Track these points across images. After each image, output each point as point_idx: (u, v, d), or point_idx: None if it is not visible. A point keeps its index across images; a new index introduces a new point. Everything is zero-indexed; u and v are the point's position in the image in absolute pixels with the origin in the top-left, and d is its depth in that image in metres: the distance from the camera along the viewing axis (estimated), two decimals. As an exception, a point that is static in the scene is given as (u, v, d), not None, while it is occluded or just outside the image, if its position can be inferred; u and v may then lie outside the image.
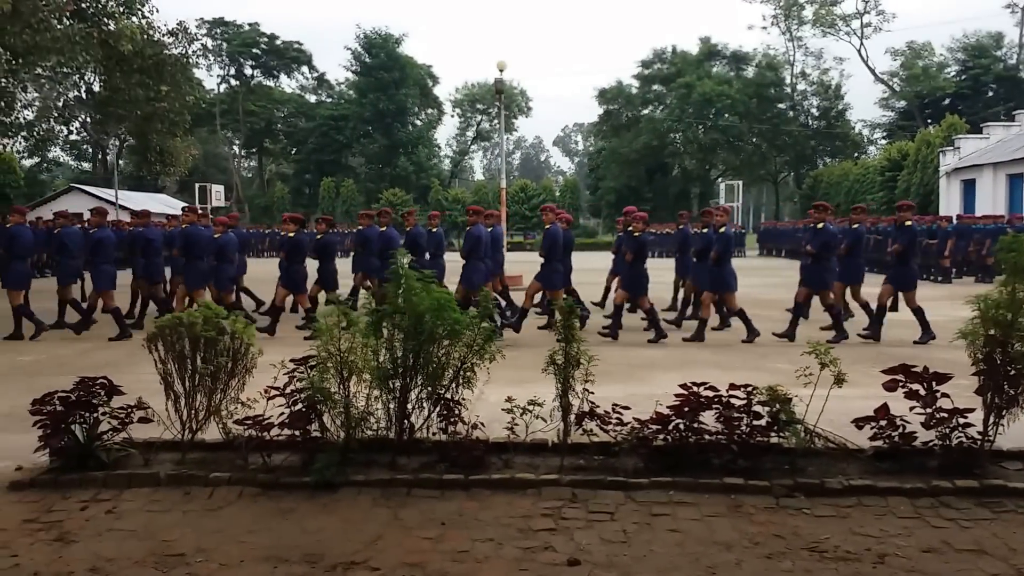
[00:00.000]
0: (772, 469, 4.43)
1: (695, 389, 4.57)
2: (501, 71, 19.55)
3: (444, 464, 4.49)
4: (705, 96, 52.96)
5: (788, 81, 57.94)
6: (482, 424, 4.69)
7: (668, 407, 4.53)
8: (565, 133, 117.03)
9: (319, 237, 11.85)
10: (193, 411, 4.76)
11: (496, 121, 68.63)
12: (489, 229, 11.38)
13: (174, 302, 11.14)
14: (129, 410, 4.70)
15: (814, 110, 58.04)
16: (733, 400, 4.53)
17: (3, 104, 15.96)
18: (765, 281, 21.07)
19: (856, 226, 10.69)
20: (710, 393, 4.56)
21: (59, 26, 13.31)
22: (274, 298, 11.25)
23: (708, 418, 4.52)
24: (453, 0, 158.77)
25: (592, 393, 4.59)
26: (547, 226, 10.81)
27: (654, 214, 54.54)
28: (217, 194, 49.42)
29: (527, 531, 3.75)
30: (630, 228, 10.84)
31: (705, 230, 11.23)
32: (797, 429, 4.48)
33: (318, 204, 60.17)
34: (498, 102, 22.17)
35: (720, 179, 58.31)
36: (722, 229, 10.54)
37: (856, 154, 54.09)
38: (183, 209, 11.44)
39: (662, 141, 55.89)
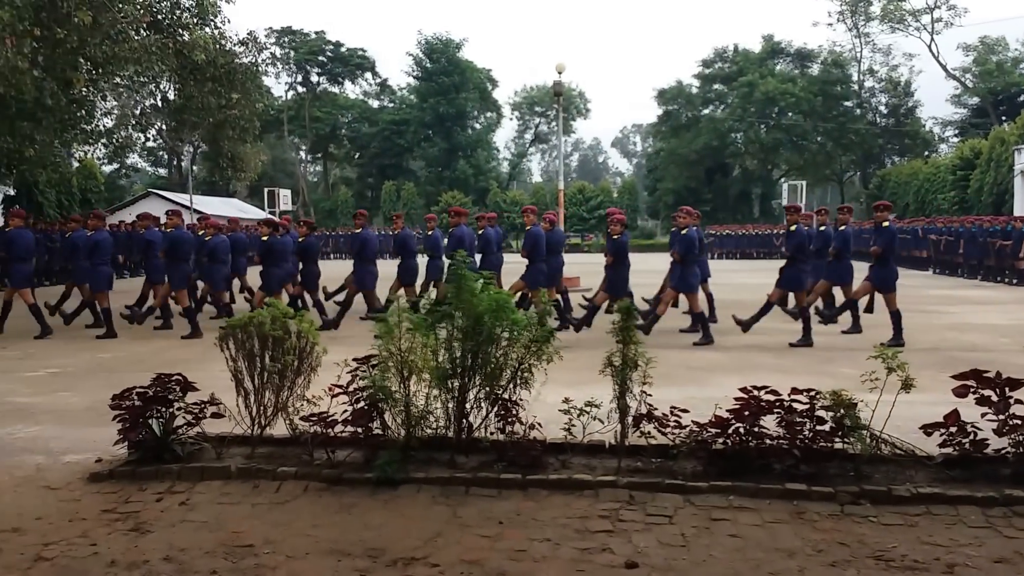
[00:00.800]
0: (836, 475, 4.32)
1: (756, 393, 4.48)
2: (560, 73, 19.54)
3: (502, 463, 4.51)
4: (768, 95, 51.81)
5: (855, 78, 56.21)
6: (539, 424, 4.69)
7: (728, 411, 4.46)
8: (623, 134, 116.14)
9: (300, 240, 12.04)
10: (262, 407, 4.90)
11: (554, 123, 68.68)
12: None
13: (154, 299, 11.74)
14: (202, 406, 4.87)
15: (882, 108, 56.20)
16: (795, 405, 4.43)
17: (84, 113, 16.73)
18: (829, 283, 20.46)
19: (843, 228, 10.63)
20: (771, 397, 4.47)
21: (136, 37, 13.90)
22: (251, 300, 11.71)
23: (769, 422, 4.43)
24: (513, 4, 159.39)
25: (650, 395, 4.55)
26: (528, 227, 11.07)
27: (713, 215, 53.92)
28: (284, 198, 50.75)
29: (584, 532, 3.74)
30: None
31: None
32: (863, 435, 4.35)
33: (380, 207, 61.23)
34: (557, 104, 22.17)
35: (783, 179, 56.98)
36: (684, 231, 10.46)
37: (926, 153, 52.14)
38: (166, 213, 12.04)
39: (722, 141, 54.93)
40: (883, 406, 4.35)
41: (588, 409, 4.57)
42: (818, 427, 4.38)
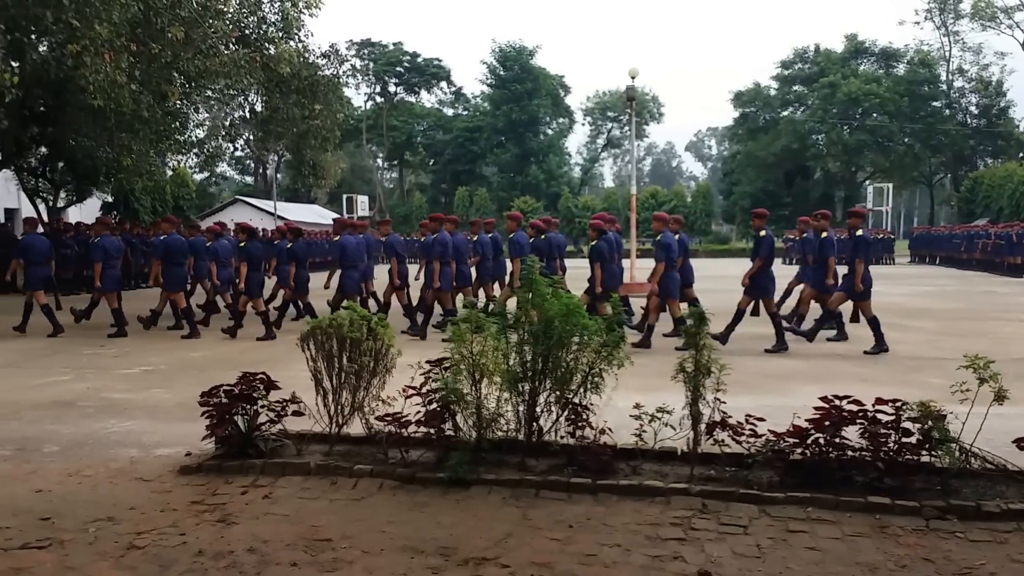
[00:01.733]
0: (921, 489, 4.13)
1: (837, 402, 4.33)
2: (633, 78, 19.38)
3: (572, 468, 4.50)
4: (851, 96, 50.07)
5: (943, 78, 53.73)
6: (610, 430, 4.66)
7: (807, 420, 4.32)
8: (698, 138, 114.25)
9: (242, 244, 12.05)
10: (339, 407, 5.04)
11: (627, 128, 68.07)
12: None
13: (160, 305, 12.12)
14: (284, 404, 5.04)
15: (973, 108, 53.52)
16: (880, 415, 4.26)
17: (178, 124, 17.60)
18: (914, 290, 19.58)
19: (825, 234, 10.36)
20: (854, 407, 4.31)
21: (226, 52, 14.53)
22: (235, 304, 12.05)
23: (851, 433, 4.28)
24: (587, 10, 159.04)
25: (724, 403, 4.46)
26: (510, 234, 11.27)
27: (792, 219, 52.21)
28: (362, 204, 52.04)
29: (655, 539, 3.69)
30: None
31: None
32: (951, 448, 4.14)
33: (453, 212, 61.94)
34: (629, 109, 21.97)
35: (868, 181, 54.92)
36: (659, 237, 10.37)
37: (1021, 154, 49.30)
38: (161, 219, 12.53)
39: (803, 143, 53.36)
40: (974, 418, 4.14)
41: (659, 415, 4.51)
42: (904, 439, 4.20)
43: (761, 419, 4.50)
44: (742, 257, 50.54)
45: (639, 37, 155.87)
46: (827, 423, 4.26)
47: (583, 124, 73.20)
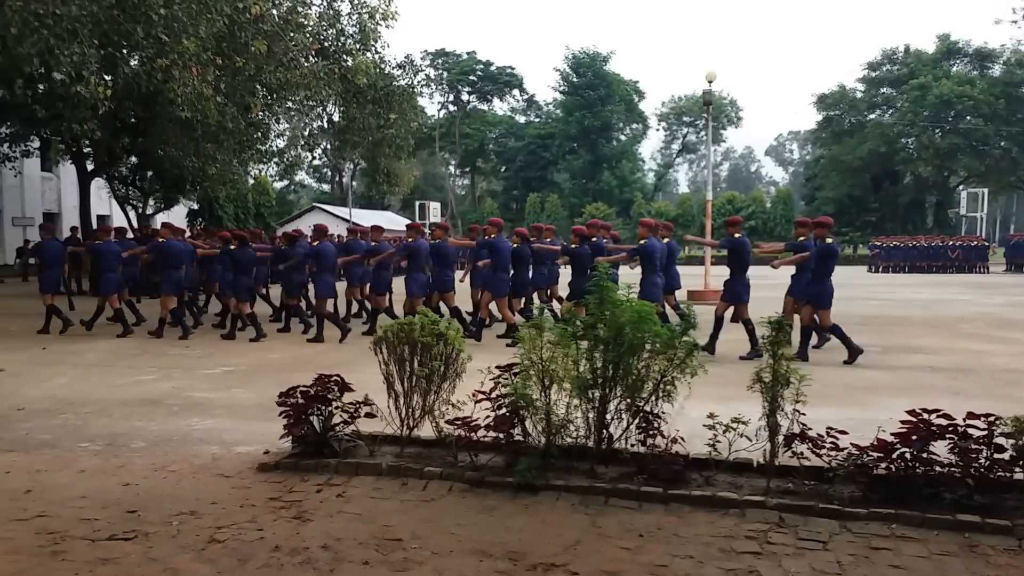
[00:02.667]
0: (1015, 508, 3.92)
1: (925, 416, 4.15)
2: (710, 82, 19.06)
3: (642, 476, 4.45)
4: (943, 98, 47.87)
5: (1044, 79, 50.73)
6: (682, 439, 4.59)
7: (892, 434, 4.16)
8: (779, 142, 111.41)
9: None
10: (410, 409, 5.13)
11: (703, 133, 66.99)
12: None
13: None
14: (357, 406, 5.16)
15: (1074, 110, 50.30)
16: (971, 430, 4.07)
17: (260, 135, 18.33)
18: (1010, 300, 18.58)
19: (802, 239, 10.16)
20: (943, 421, 4.13)
21: (306, 64, 15.07)
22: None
23: (940, 449, 4.10)
24: (663, 14, 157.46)
25: (803, 414, 4.33)
26: (487, 237, 11.56)
27: (880, 225, 50.40)
28: (434, 210, 52.86)
29: (729, 552, 3.62)
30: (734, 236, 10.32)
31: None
32: (1049, 466, 3.92)
33: (524, 219, 62.18)
34: (706, 114, 21.62)
35: (961, 187, 52.38)
36: (644, 242, 10.43)
37: None
38: (161, 225, 12.96)
39: (891, 147, 51.28)
40: (1077, 436, 3.90)
41: (735, 425, 4.42)
42: (996, 455, 3.99)
43: (843, 432, 4.35)
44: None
45: (717, 40, 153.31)
46: (914, 437, 4.10)
47: (657, 129, 72.45)
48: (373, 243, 13.06)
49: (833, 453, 4.26)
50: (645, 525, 3.94)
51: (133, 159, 21.02)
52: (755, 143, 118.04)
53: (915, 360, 9.46)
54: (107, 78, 12.03)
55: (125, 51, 12.77)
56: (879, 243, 39.49)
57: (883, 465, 4.17)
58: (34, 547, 3.74)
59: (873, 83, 55.10)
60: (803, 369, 4.32)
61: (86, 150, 19.41)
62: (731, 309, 10.05)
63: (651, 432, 4.57)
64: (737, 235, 10.10)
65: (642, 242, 10.48)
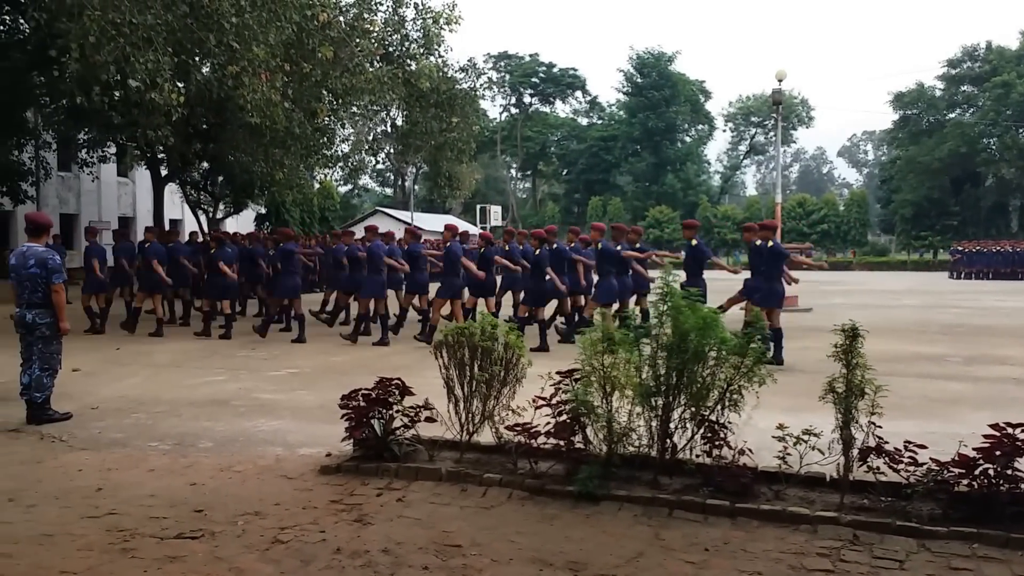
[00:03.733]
0: (1114, 533, 3.67)
1: (1010, 431, 3.94)
2: (780, 81, 18.62)
3: (708, 488, 4.35)
4: (1028, 95, 45.71)
5: None
6: (750, 450, 4.47)
7: (975, 449, 3.97)
8: (852, 142, 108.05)
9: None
10: (470, 414, 5.15)
11: (772, 133, 65.55)
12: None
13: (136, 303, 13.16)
14: (417, 410, 5.21)
15: None
16: (1062, 447, 3.84)
17: (326, 140, 18.78)
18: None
19: (772, 243, 10.10)
20: (1031, 436, 3.91)
21: (370, 69, 15.37)
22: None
23: (1027, 466, 3.88)
24: (731, 11, 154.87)
25: (879, 427, 4.17)
26: (446, 243, 11.79)
27: (961, 229, 48.38)
28: (495, 214, 53.17)
29: (800, 569, 3.50)
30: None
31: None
32: None
33: (586, 222, 61.89)
34: (775, 114, 21.11)
35: (1049, 189, 49.89)
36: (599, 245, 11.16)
37: None
38: (145, 228, 13.75)
39: (972, 147, 49.21)
40: None
41: (806, 438, 4.28)
42: (1092, 475, 3.76)
43: (922, 446, 4.17)
44: (902, 270, 47.27)
45: (788, 37, 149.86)
46: (998, 453, 3.90)
47: (724, 130, 71.25)
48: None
49: (911, 468, 4.09)
50: (711, 539, 3.85)
51: (204, 164, 21.78)
52: (827, 143, 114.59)
53: (999, 371, 9.02)
54: (180, 85, 12.51)
55: (197, 59, 13.26)
56: (960, 248, 37.91)
57: (965, 482, 3.99)
58: (105, 544, 3.87)
59: (953, 81, 53.03)
60: (879, 380, 4.16)
61: (160, 156, 20.21)
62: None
63: (717, 443, 4.47)
64: (695, 242, 10.65)
65: (598, 245, 11.27)
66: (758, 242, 10.13)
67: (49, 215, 7.94)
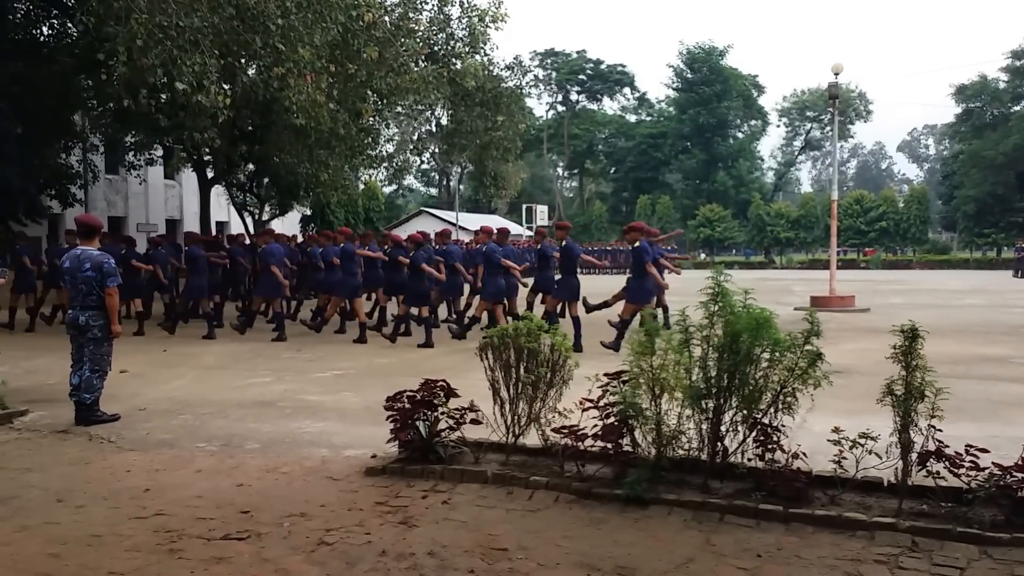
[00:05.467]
0: None
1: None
2: (836, 75, 18.21)
3: (760, 493, 4.30)
4: (1102, 85, 43.89)
5: None
6: (804, 454, 4.41)
7: (1041, 454, 3.84)
8: (912, 137, 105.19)
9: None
10: (516, 417, 5.18)
11: (828, 128, 64.26)
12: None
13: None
14: (463, 412, 5.25)
15: None
16: None
17: (371, 140, 19.03)
18: None
19: (637, 244, 10.81)
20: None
21: (416, 69, 15.52)
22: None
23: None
24: (784, 4, 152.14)
25: (940, 431, 4.07)
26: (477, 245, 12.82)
27: (1029, 226, 46.49)
28: (541, 213, 53.13)
29: (856, 576, 3.44)
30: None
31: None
32: None
33: (634, 220, 61.40)
34: (832, 108, 20.66)
35: (1125, 184, 47.78)
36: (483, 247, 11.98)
37: None
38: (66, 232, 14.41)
39: (1038, 141, 47.42)
40: None
41: (863, 441, 4.20)
42: None
43: (984, 450, 4.06)
44: (964, 269, 45.81)
45: (845, 29, 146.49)
46: (1068, 459, 3.76)
47: (778, 126, 70.10)
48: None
49: (973, 473, 3.98)
50: (764, 545, 3.80)
51: (250, 166, 22.25)
52: (886, 138, 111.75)
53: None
54: (226, 87, 12.80)
55: (243, 60, 13.56)
56: (1022, 245, 36.61)
57: (1031, 488, 3.86)
58: (152, 545, 3.96)
59: (1018, 72, 51.23)
60: (940, 382, 4.06)
61: (206, 158, 20.72)
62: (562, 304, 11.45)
63: (770, 446, 4.41)
64: (637, 244, 10.94)
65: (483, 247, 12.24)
66: (637, 243, 10.90)
67: (99, 217, 8.24)
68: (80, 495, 4.80)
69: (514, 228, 48.33)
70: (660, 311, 11.92)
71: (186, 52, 10.94)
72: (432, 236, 14.08)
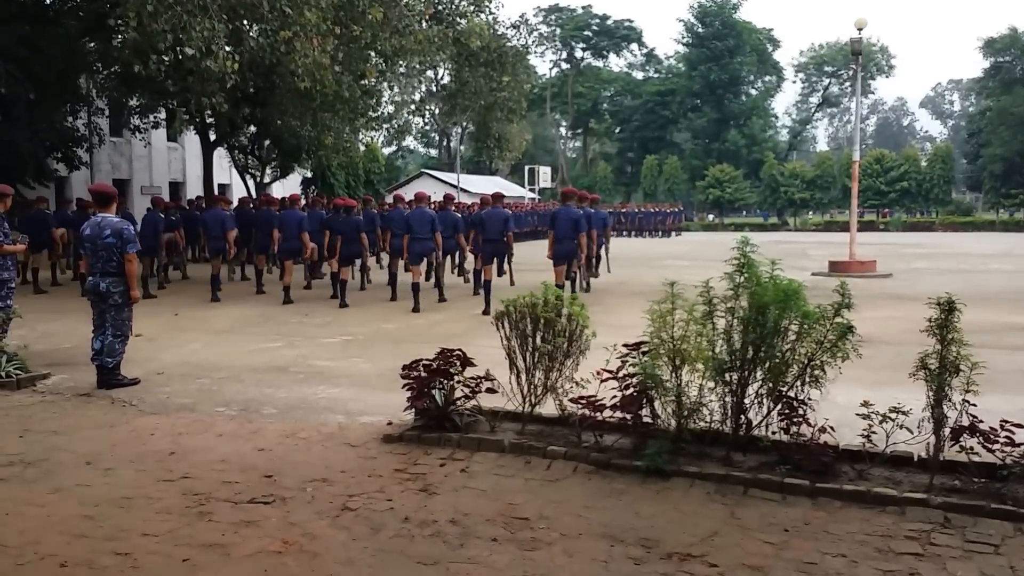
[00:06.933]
0: None
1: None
2: (860, 30, 17.82)
3: (785, 466, 4.33)
4: None
5: None
6: (831, 428, 4.43)
7: (1077, 429, 3.86)
8: (937, 92, 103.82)
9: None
10: (532, 386, 5.21)
11: (847, 84, 63.37)
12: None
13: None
14: (478, 380, 5.29)
15: None
16: None
17: (374, 102, 18.90)
18: None
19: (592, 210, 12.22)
20: None
21: (420, 29, 15.35)
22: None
23: None
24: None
25: (974, 405, 4.08)
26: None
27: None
28: (544, 175, 52.78)
29: (887, 553, 3.48)
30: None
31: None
32: None
33: (639, 183, 61.12)
34: (855, 65, 20.32)
35: None
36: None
37: None
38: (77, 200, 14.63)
39: (1070, 97, 46.87)
40: None
41: (893, 416, 4.21)
42: None
43: (1020, 425, 4.07)
44: (990, 231, 45.48)
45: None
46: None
47: (794, 82, 69.25)
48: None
49: (1008, 449, 4.00)
50: (790, 519, 3.84)
51: (252, 129, 22.16)
52: (908, 94, 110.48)
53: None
54: (232, 51, 12.72)
55: (250, 24, 13.45)
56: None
57: (1065, 464, 3.88)
58: (182, 508, 4.08)
59: (1051, 24, 50.31)
60: (976, 356, 4.06)
61: (209, 121, 20.61)
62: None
63: (795, 419, 4.43)
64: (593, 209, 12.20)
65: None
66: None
67: (108, 183, 8.31)
68: (108, 458, 4.94)
69: (516, 190, 48.13)
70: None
71: (195, 17, 10.90)
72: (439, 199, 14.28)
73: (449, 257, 15.15)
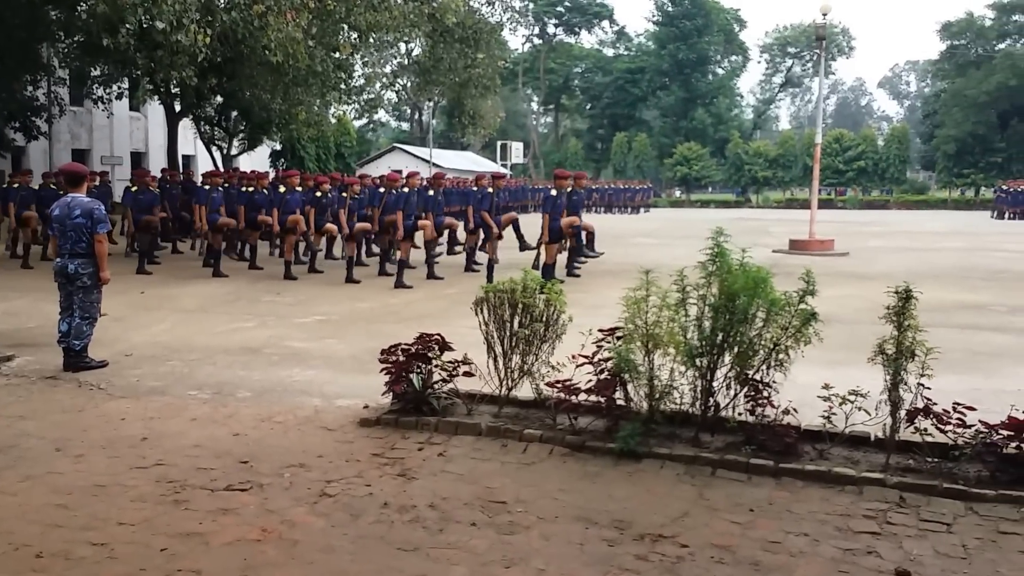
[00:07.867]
0: None
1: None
2: (824, 15, 17.99)
3: (750, 447, 4.46)
4: (1087, 22, 44.04)
5: None
6: (794, 409, 4.57)
7: (1026, 411, 4.03)
8: (894, 73, 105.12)
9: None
10: (509, 370, 5.27)
11: (809, 64, 63.93)
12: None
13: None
14: (456, 364, 5.33)
15: None
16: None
17: (346, 75, 18.62)
18: None
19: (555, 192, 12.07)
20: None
21: (395, 4, 15.11)
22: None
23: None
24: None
25: (928, 388, 4.23)
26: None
27: (1006, 167, 47.32)
28: (516, 151, 52.61)
29: (846, 531, 3.63)
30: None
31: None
32: None
33: (610, 159, 61.21)
34: (819, 50, 20.51)
35: (1103, 125, 48.50)
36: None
37: None
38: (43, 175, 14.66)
39: (1022, 80, 47.74)
40: None
41: (852, 398, 4.36)
42: None
43: (971, 408, 4.24)
44: (943, 209, 46.47)
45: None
46: (1051, 416, 3.95)
47: (759, 62, 69.61)
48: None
49: (960, 430, 4.17)
50: (755, 499, 3.98)
51: (219, 99, 21.71)
52: (867, 74, 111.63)
53: (1047, 324, 9.00)
54: (202, 24, 12.42)
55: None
56: (1005, 187, 37.21)
57: (1014, 444, 4.06)
58: (157, 495, 4.02)
59: (1004, 9, 51.25)
60: (928, 336, 4.21)
61: (174, 90, 20.15)
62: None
63: (760, 401, 4.56)
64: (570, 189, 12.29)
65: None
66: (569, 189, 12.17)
67: (79, 164, 8.11)
68: (78, 444, 4.82)
69: (489, 165, 47.91)
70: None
71: (166, -10, 10.60)
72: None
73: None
